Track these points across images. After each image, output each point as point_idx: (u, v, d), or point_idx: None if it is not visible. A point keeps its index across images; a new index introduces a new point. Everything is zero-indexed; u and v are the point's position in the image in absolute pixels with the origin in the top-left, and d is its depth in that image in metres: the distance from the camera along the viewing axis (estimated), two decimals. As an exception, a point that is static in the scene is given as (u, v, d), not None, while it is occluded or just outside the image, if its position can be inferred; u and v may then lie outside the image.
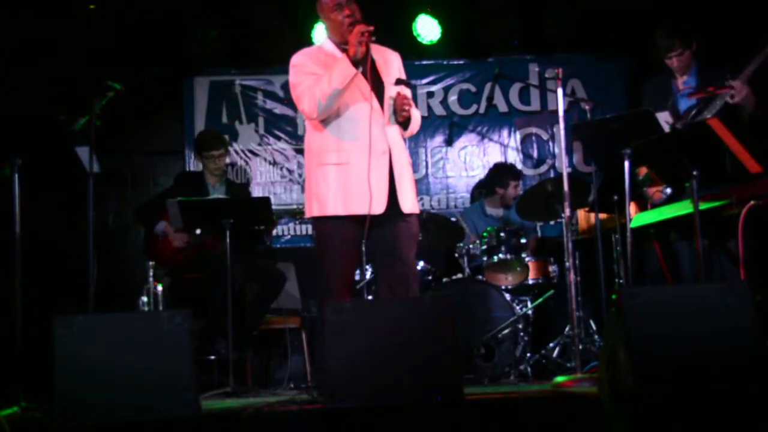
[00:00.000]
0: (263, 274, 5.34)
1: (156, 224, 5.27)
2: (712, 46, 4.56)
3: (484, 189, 6.37)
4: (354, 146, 3.68)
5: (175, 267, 5.27)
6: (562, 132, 4.05)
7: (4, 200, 3.73)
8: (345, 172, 3.68)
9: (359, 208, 3.65)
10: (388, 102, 3.75)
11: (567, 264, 4.08)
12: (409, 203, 3.76)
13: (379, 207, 3.66)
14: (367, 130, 3.66)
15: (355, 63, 3.60)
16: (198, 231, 5.20)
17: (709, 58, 4.46)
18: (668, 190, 4.16)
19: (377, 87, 3.76)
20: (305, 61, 3.80)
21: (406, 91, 3.80)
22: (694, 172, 3.49)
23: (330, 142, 3.74)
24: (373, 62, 3.77)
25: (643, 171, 4.23)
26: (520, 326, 5.13)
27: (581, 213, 5.73)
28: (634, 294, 2.87)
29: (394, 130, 3.79)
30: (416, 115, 3.87)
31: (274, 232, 6.49)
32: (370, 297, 5.19)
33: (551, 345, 5.32)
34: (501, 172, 6.18)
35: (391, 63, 3.88)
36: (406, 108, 3.70)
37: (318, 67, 3.74)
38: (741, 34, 5.37)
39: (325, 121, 3.75)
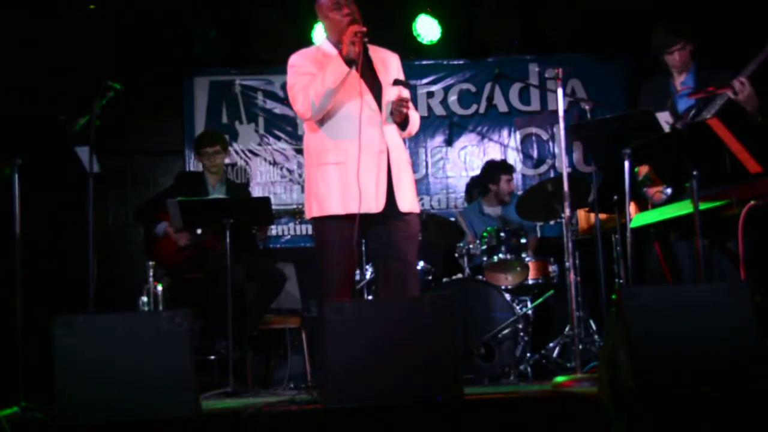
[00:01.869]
0: (263, 274, 5.34)
1: (156, 225, 5.27)
2: (711, 46, 4.55)
3: (479, 188, 6.37)
4: (351, 145, 3.66)
5: (175, 267, 5.28)
6: (562, 132, 4.05)
7: (4, 200, 3.73)
8: (343, 171, 3.67)
9: (357, 207, 3.64)
10: (386, 102, 3.75)
11: (567, 264, 4.08)
12: (407, 202, 3.75)
13: (376, 205, 3.66)
14: (363, 128, 3.65)
15: (349, 62, 3.60)
16: (198, 231, 5.20)
17: (708, 58, 4.45)
18: (669, 191, 4.15)
19: (374, 87, 3.75)
20: (302, 61, 3.80)
21: (405, 92, 3.79)
22: (694, 172, 3.49)
23: (327, 142, 3.74)
24: (370, 62, 3.77)
25: (643, 171, 4.23)
26: (520, 326, 5.13)
27: (581, 213, 5.73)
28: (634, 294, 2.86)
29: (393, 129, 3.78)
30: (415, 117, 3.86)
31: (274, 231, 6.50)
32: (370, 297, 5.19)
33: (551, 345, 5.32)
34: (491, 169, 6.17)
35: (389, 64, 3.87)
36: (403, 109, 3.70)
37: (315, 67, 3.73)
38: (740, 34, 5.37)
39: (321, 121, 3.75)
